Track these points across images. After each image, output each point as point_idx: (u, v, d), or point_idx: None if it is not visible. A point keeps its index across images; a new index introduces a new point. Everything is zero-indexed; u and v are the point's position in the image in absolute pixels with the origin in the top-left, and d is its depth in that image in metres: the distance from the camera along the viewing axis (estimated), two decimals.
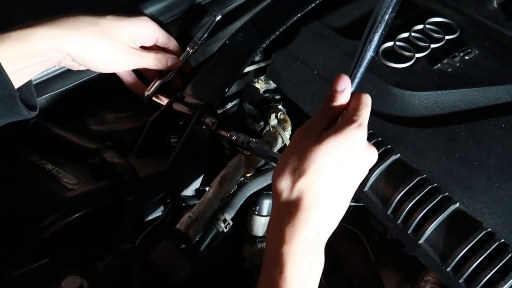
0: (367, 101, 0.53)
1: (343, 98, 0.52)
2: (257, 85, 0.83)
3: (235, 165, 0.65)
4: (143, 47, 0.72)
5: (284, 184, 0.48)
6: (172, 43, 0.75)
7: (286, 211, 0.47)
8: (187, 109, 0.71)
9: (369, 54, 0.55)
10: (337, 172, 0.48)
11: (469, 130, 0.66)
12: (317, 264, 0.48)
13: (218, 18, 0.77)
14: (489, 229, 0.57)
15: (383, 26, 0.54)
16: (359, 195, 0.67)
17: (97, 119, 0.72)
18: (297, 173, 0.47)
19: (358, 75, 0.55)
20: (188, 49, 0.76)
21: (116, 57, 0.66)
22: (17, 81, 0.56)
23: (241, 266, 0.70)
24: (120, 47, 0.65)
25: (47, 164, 0.64)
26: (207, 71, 0.76)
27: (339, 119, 0.53)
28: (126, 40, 0.67)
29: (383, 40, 0.79)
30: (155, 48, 0.74)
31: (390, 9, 0.54)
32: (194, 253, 0.58)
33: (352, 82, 0.54)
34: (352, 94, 0.54)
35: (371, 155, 0.53)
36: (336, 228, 0.50)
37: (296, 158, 0.48)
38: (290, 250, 0.45)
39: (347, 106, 0.53)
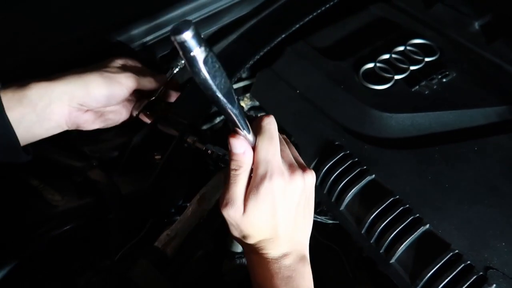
0: (266, 142, 0.49)
1: (248, 158, 0.48)
2: (242, 103, 0.85)
3: (214, 184, 0.67)
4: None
5: (239, 241, 0.53)
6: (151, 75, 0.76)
7: (252, 254, 0.53)
8: (170, 128, 0.73)
9: (233, 110, 0.45)
10: (274, 221, 0.50)
11: (442, 153, 0.68)
12: (305, 271, 0.54)
13: None
14: (457, 251, 0.59)
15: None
16: (335, 214, 0.70)
17: (84, 136, 0.74)
18: (244, 237, 0.51)
19: (243, 124, 0.47)
20: (173, 68, 0.78)
21: (117, 79, 0.66)
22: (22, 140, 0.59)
23: (220, 281, 0.72)
24: (117, 71, 0.67)
25: (33, 180, 0.66)
26: (192, 89, 0.78)
27: (251, 181, 0.49)
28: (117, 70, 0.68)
29: (364, 61, 0.82)
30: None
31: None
32: (172, 271, 0.60)
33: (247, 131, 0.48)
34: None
35: (297, 180, 0.50)
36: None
37: (234, 229, 0.51)
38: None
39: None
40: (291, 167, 0.50)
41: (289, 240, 0.52)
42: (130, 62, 0.72)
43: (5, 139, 0.56)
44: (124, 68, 0.69)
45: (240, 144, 0.47)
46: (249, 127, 0.48)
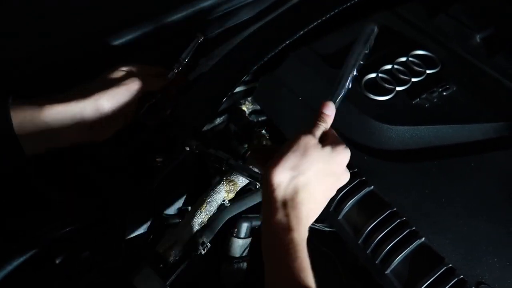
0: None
1: (329, 120, 0.62)
2: (243, 107, 0.86)
3: (216, 189, 0.68)
4: None
5: (283, 178, 0.53)
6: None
7: (287, 204, 0.53)
8: (173, 131, 0.74)
9: (348, 84, 0.66)
10: (325, 179, 0.56)
11: (440, 167, 0.70)
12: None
13: (200, 39, 0.80)
14: (450, 265, 0.60)
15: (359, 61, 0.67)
16: (333, 222, 0.71)
17: None
18: (298, 170, 0.54)
19: (339, 99, 0.65)
20: (174, 69, 0.79)
21: (125, 94, 0.68)
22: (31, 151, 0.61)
23: (217, 284, 0.74)
24: (123, 83, 0.69)
25: (38, 181, 0.67)
26: (195, 93, 0.79)
27: (327, 139, 0.59)
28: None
29: (366, 71, 0.82)
30: None
31: (367, 45, 0.68)
32: (171, 274, 0.61)
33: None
34: None
35: (346, 176, 0.60)
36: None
37: (299, 155, 0.54)
38: (299, 236, 0.52)
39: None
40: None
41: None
42: (133, 68, 0.72)
43: (13, 155, 0.57)
44: (129, 78, 0.70)
45: (332, 109, 0.62)
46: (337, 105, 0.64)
